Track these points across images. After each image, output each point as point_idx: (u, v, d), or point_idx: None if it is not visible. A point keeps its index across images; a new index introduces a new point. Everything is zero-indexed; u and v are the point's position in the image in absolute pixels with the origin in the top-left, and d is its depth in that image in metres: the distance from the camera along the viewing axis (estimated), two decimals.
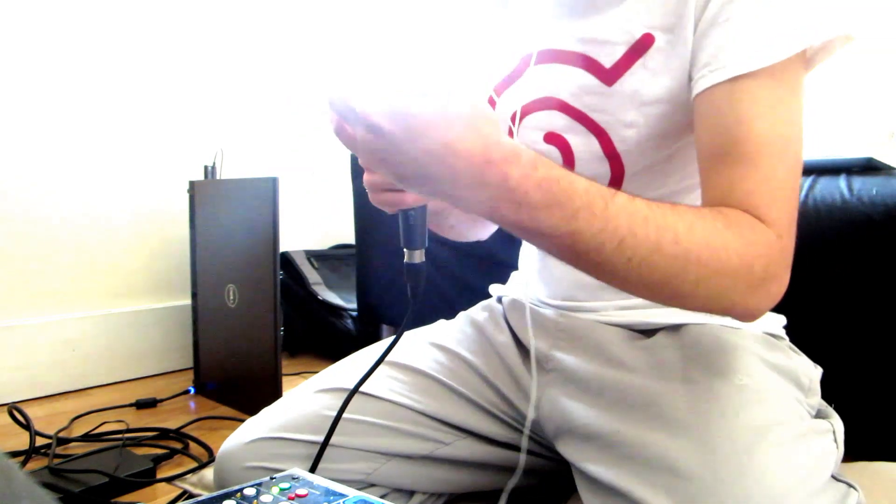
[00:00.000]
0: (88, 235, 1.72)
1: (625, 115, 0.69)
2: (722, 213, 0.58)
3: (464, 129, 0.47)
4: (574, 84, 0.71)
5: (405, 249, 0.66)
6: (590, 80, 0.70)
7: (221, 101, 1.98)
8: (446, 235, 0.87)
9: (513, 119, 0.76)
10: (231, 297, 1.49)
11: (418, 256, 0.66)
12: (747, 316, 0.59)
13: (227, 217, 1.54)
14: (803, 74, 0.63)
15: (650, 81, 0.67)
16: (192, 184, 1.64)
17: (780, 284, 0.59)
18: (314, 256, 2.18)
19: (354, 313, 1.97)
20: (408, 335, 0.89)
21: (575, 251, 0.52)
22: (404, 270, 0.66)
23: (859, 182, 1.02)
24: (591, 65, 0.70)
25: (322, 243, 2.30)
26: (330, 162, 2.21)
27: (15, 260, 1.59)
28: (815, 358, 0.76)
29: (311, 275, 2.12)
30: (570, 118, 0.73)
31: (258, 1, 2.07)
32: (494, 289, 0.94)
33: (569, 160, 0.74)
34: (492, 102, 0.79)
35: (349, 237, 2.10)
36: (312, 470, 0.71)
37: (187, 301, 1.70)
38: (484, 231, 0.94)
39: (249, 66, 2.05)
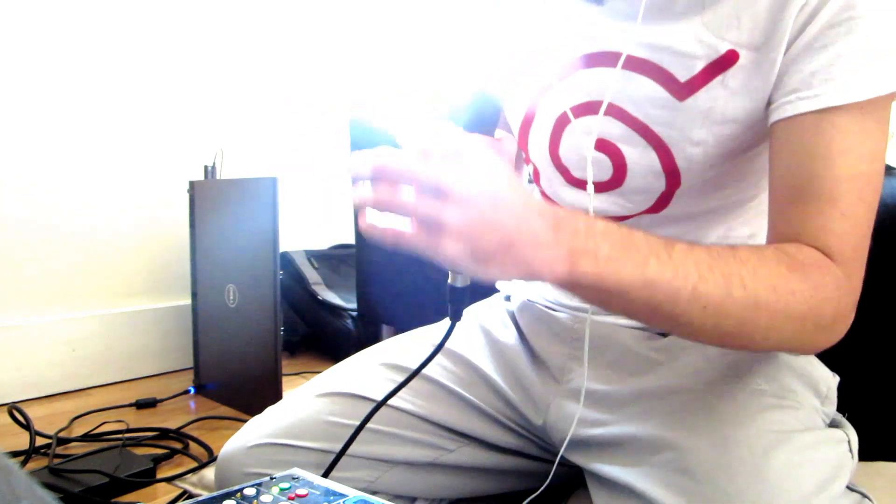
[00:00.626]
0: (88, 235, 1.71)
1: (693, 132, 0.64)
2: (787, 253, 0.56)
3: (523, 190, 0.47)
4: (640, 93, 0.66)
5: (451, 272, 0.63)
6: (658, 91, 0.65)
7: (221, 101, 1.98)
8: None
9: (560, 121, 0.71)
10: (231, 297, 1.49)
11: (464, 280, 0.63)
12: (812, 352, 0.59)
13: (227, 217, 1.54)
14: (890, 106, 0.60)
15: (727, 100, 0.63)
16: (192, 184, 1.64)
17: (846, 323, 0.58)
18: (314, 256, 2.18)
19: (354, 313, 1.97)
20: (410, 335, 0.88)
21: (652, 304, 0.51)
22: (447, 293, 0.63)
23: None
24: (662, 76, 0.64)
25: (322, 243, 2.30)
26: (330, 162, 2.21)
27: (15, 260, 1.59)
28: (815, 356, 0.75)
29: (311, 275, 2.12)
30: (628, 128, 0.67)
31: (258, 1, 2.07)
32: (502, 285, 0.92)
33: (620, 171, 0.70)
34: (536, 98, 0.75)
35: (349, 237, 2.10)
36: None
37: (187, 301, 1.70)
38: None
39: (249, 66, 2.05)
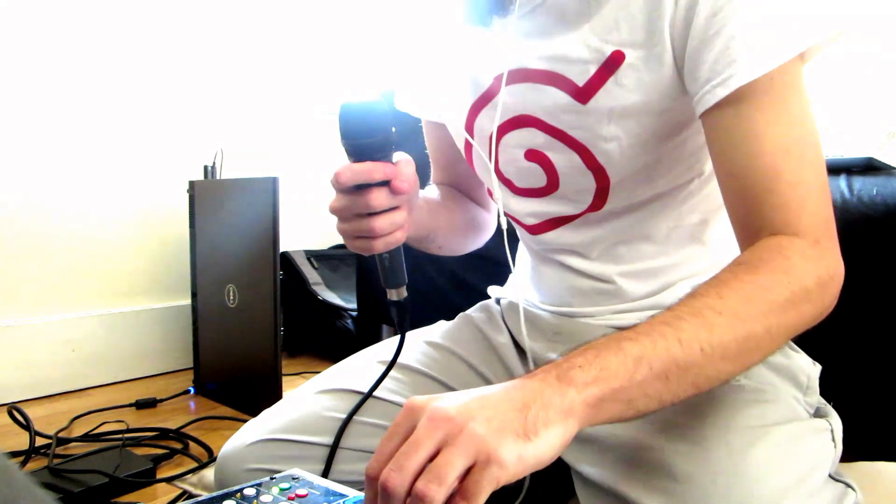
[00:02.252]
0: (89, 235, 1.71)
1: (603, 130, 0.68)
2: (739, 263, 0.57)
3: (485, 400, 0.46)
4: (549, 102, 0.70)
5: (386, 289, 0.68)
6: (564, 98, 0.69)
7: (221, 101, 1.98)
8: (438, 254, 0.87)
9: (491, 138, 0.75)
10: (231, 297, 1.49)
11: (399, 293, 0.68)
12: (825, 314, 0.59)
13: (227, 217, 1.54)
14: (801, 68, 0.62)
15: (624, 97, 0.66)
16: (192, 184, 1.64)
17: (837, 278, 0.59)
18: (314, 256, 2.18)
19: (354, 313, 1.97)
20: (410, 335, 0.88)
21: (658, 375, 0.50)
22: (390, 308, 0.68)
23: (859, 182, 1.01)
24: (563, 83, 0.69)
25: (322, 243, 2.30)
26: (330, 162, 2.21)
27: (15, 260, 1.59)
28: (815, 356, 0.75)
29: (311, 275, 2.12)
30: (548, 136, 0.72)
31: (258, 1, 2.07)
32: (493, 290, 0.94)
33: (552, 176, 0.74)
34: (470, 122, 0.79)
35: None
36: (324, 474, 0.72)
37: (187, 301, 1.70)
38: (475, 242, 0.94)
39: (249, 66, 2.05)
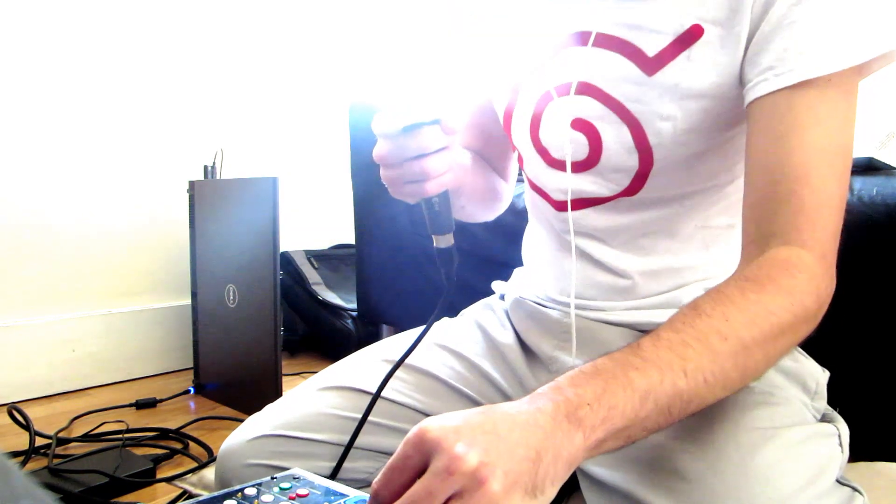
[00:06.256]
0: (88, 235, 1.71)
1: (663, 107, 0.66)
2: (747, 279, 0.56)
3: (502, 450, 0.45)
4: (613, 71, 0.68)
5: (433, 236, 0.66)
6: (630, 68, 0.67)
7: (221, 101, 1.98)
8: (458, 216, 0.86)
9: (540, 103, 0.73)
10: (231, 297, 1.49)
11: (447, 241, 0.66)
12: (814, 329, 0.59)
13: (227, 217, 1.54)
14: (857, 81, 0.62)
15: (693, 75, 0.65)
16: (192, 184, 1.64)
17: (830, 294, 0.59)
18: (314, 256, 2.18)
19: (354, 313, 1.97)
20: (410, 334, 0.88)
21: (662, 410, 0.50)
22: (436, 255, 0.65)
23: (860, 182, 1.01)
24: (633, 52, 0.67)
25: (322, 243, 2.30)
26: (330, 162, 2.21)
27: (15, 260, 1.59)
28: (814, 356, 0.75)
29: (311, 275, 2.12)
30: (604, 106, 0.69)
31: (258, 1, 2.07)
32: (497, 285, 0.93)
33: (596, 149, 0.72)
34: (518, 82, 0.76)
35: (349, 237, 2.10)
36: (334, 475, 0.72)
37: (187, 301, 1.70)
38: (492, 212, 0.93)
39: (249, 66, 2.05)
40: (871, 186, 1.00)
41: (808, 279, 0.56)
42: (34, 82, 1.60)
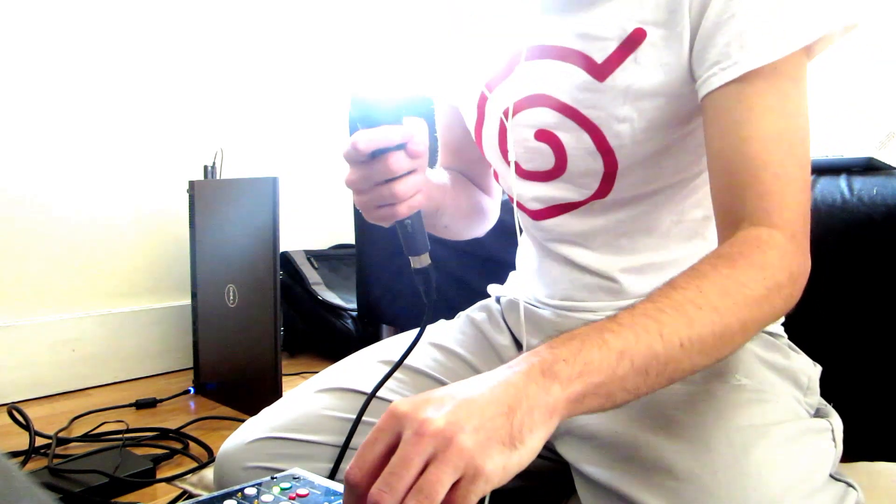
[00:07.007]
0: (88, 235, 1.72)
1: (617, 110, 0.68)
2: (720, 256, 0.58)
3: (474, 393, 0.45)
4: (566, 80, 0.71)
5: (410, 257, 0.67)
6: (582, 75, 0.69)
7: (221, 101, 1.98)
8: (442, 235, 0.87)
9: (505, 115, 0.76)
10: (231, 297, 1.49)
11: (423, 261, 0.67)
12: (791, 307, 0.60)
13: (227, 217, 1.54)
14: (806, 63, 0.63)
15: (642, 76, 0.66)
16: (192, 184, 1.64)
17: (805, 274, 0.60)
18: (314, 256, 2.18)
19: (354, 313, 1.97)
20: (409, 335, 0.88)
21: (638, 370, 0.50)
22: (413, 276, 0.67)
23: (860, 182, 1.01)
24: (582, 60, 0.69)
25: (322, 243, 2.30)
26: (330, 162, 2.21)
27: (15, 260, 1.59)
28: (815, 357, 0.76)
29: (311, 275, 2.12)
30: (561, 115, 0.72)
31: (258, 1, 2.07)
32: (493, 289, 0.94)
33: (561, 158, 0.74)
34: (483, 99, 0.79)
35: (349, 237, 2.10)
36: (332, 475, 0.72)
37: (187, 301, 1.70)
38: (479, 228, 0.94)
39: (249, 66, 2.06)
40: (871, 186, 1.00)
41: (779, 255, 0.57)
42: (34, 83, 1.60)
